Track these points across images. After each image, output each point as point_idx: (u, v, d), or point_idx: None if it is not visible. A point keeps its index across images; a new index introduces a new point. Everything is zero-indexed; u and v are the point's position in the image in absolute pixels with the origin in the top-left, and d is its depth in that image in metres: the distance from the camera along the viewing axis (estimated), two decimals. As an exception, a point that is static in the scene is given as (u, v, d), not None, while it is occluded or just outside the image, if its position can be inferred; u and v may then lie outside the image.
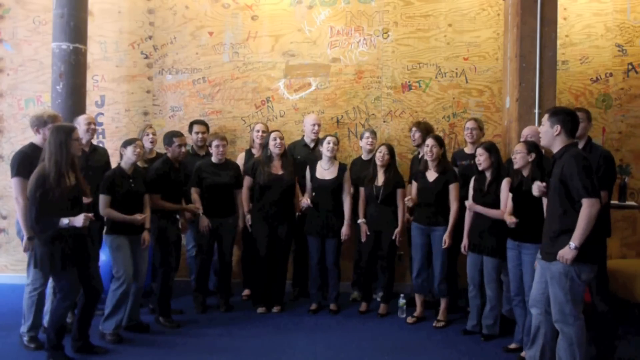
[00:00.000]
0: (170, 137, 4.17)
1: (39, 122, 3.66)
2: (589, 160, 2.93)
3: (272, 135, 4.45)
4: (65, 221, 3.21)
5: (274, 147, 4.40)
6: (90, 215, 3.31)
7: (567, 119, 2.98)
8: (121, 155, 3.89)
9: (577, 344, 2.93)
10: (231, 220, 4.49)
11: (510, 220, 3.55)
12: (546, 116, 3.04)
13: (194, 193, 4.40)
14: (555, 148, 3.01)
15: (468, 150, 4.57)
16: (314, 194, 4.48)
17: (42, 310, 3.69)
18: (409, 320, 4.32)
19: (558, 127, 2.96)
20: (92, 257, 3.51)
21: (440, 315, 4.29)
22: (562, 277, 2.91)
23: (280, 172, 4.41)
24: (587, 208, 2.82)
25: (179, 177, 4.20)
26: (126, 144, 3.85)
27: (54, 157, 3.21)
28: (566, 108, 3.21)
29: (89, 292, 3.47)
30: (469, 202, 3.94)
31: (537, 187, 3.18)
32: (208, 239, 4.43)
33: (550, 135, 3.00)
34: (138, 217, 3.77)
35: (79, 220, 3.23)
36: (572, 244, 2.84)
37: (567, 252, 2.86)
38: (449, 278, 4.34)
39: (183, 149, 4.18)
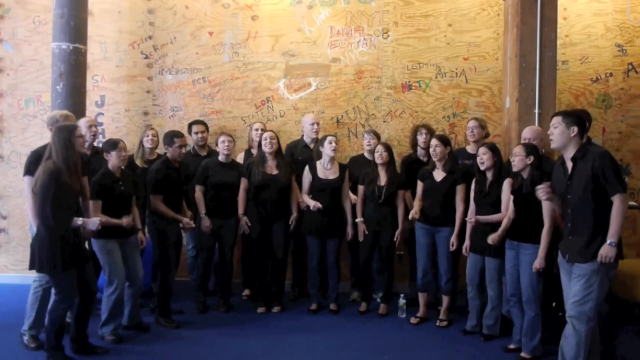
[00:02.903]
0: (171, 137, 4.11)
1: (52, 121, 3.72)
2: (613, 156, 2.97)
3: (264, 135, 4.44)
4: (79, 222, 3.24)
5: (264, 146, 4.39)
6: (103, 220, 3.40)
7: (582, 120, 3.01)
8: (105, 159, 3.77)
9: (586, 343, 2.94)
10: (232, 221, 4.48)
11: (492, 240, 3.68)
12: (559, 118, 3.02)
13: (198, 191, 4.39)
14: (571, 149, 3.00)
15: (470, 149, 4.56)
16: (310, 195, 4.49)
17: (45, 308, 3.68)
18: (413, 320, 4.31)
19: (575, 129, 2.97)
20: (87, 257, 3.49)
21: (442, 315, 4.29)
22: (594, 274, 2.91)
23: (275, 171, 4.40)
24: (622, 203, 2.85)
25: (179, 177, 4.18)
26: (110, 148, 3.72)
27: (62, 154, 3.23)
28: (578, 109, 3.25)
29: (85, 293, 3.47)
30: (470, 217, 3.92)
31: (542, 190, 3.08)
32: (209, 239, 4.42)
33: (566, 137, 2.99)
34: (124, 220, 3.68)
35: (93, 223, 3.30)
36: (611, 240, 2.86)
37: (609, 250, 2.86)
38: (454, 277, 4.34)
39: (183, 150, 4.14)
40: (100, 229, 3.63)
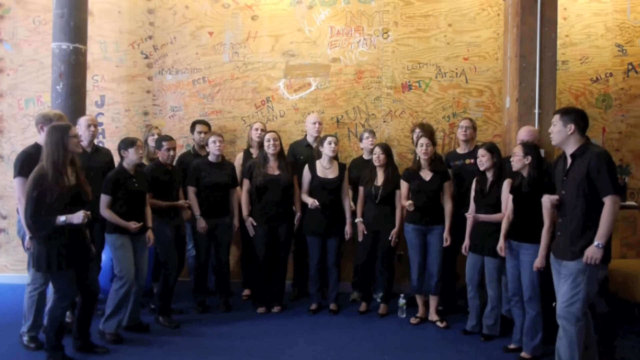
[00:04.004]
0: (160, 141, 4.21)
1: (44, 120, 3.66)
2: (612, 158, 2.96)
3: (267, 136, 4.45)
4: (62, 219, 3.18)
5: (267, 148, 4.40)
6: (89, 213, 3.28)
7: (580, 117, 3.01)
8: (121, 156, 3.89)
9: (578, 343, 2.95)
10: (227, 220, 4.49)
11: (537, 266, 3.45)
12: (557, 116, 3.04)
13: (191, 192, 4.39)
14: (570, 147, 3.01)
15: (460, 150, 4.58)
16: (309, 194, 4.49)
17: (42, 310, 3.69)
18: (413, 320, 4.31)
19: (572, 126, 2.97)
20: (91, 258, 3.49)
21: (432, 315, 4.30)
22: (580, 274, 2.92)
23: (277, 172, 4.41)
24: (612, 205, 2.85)
25: (170, 179, 4.20)
26: (127, 145, 3.83)
27: (52, 156, 3.20)
28: (576, 107, 3.25)
29: (86, 293, 3.47)
30: (470, 214, 3.90)
31: (548, 200, 3.13)
32: (206, 239, 4.43)
33: (564, 135, 3.00)
34: (132, 225, 3.74)
35: (78, 217, 3.21)
36: (599, 242, 2.85)
37: (595, 252, 2.86)
38: (448, 278, 4.33)
39: (172, 153, 4.20)
40: (114, 225, 3.74)
